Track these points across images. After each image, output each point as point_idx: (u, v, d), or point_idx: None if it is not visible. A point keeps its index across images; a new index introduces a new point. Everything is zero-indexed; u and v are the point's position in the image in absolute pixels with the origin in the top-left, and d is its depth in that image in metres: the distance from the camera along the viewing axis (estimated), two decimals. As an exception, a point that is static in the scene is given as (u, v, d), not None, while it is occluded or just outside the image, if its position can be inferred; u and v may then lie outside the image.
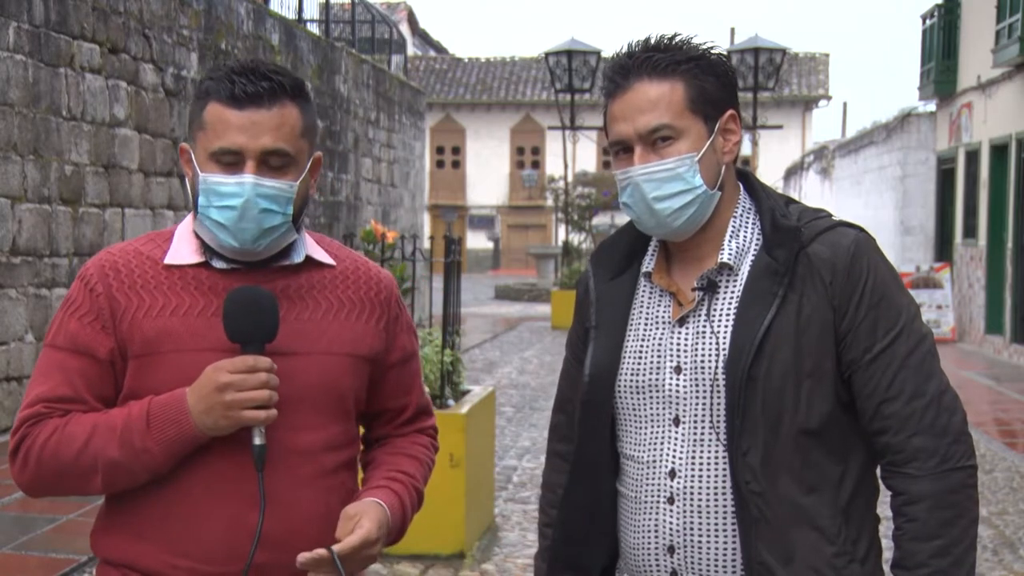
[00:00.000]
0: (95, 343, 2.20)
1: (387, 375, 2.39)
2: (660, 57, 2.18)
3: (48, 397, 2.20)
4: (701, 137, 2.17)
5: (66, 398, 2.20)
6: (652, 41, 2.22)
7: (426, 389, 2.54)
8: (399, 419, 2.46)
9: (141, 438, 2.14)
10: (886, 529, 2.20)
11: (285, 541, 2.19)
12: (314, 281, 2.30)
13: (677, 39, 2.22)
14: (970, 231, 19.55)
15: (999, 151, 18.04)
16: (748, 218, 2.24)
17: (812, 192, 33.02)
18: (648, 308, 2.26)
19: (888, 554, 2.19)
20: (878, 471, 2.22)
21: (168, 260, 2.25)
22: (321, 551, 2.12)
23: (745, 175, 2.29)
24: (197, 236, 2.26)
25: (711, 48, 2.23)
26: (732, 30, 41.90)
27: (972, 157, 19.48)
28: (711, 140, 2.18)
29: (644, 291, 2.28)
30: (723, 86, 2.20)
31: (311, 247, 2.33)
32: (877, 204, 25.05)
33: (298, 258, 2.28)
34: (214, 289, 2.23)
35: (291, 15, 17.12)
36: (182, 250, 2.26)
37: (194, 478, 2.19)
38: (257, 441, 2.15)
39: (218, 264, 2.24)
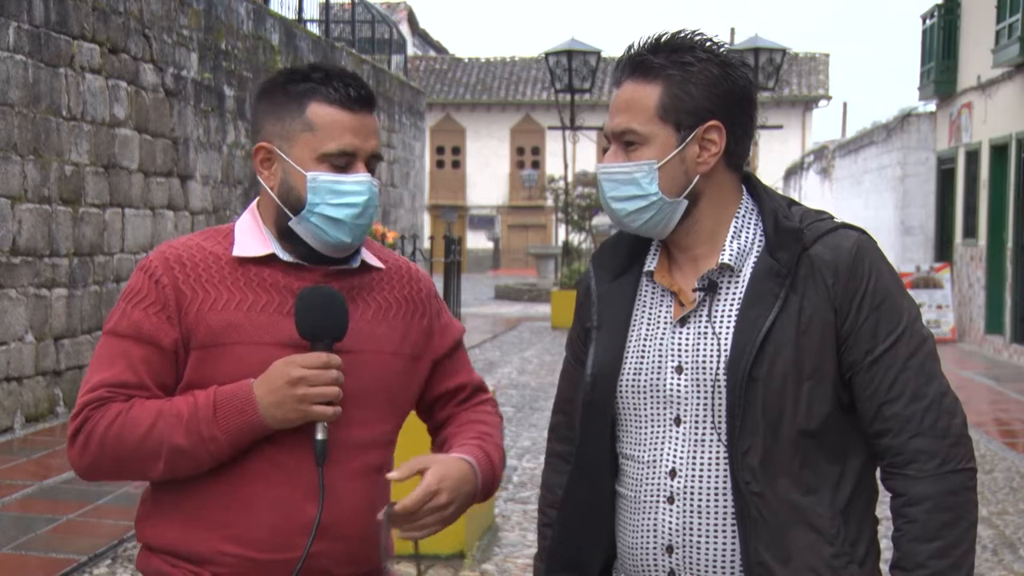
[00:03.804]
0: (160, 332, 2.26)
1: (439, 366, 2.50)
2: (649, 59, 2.18)
3: (111, 382, 2.25)
4: (668, 146, 2.17)
5: (129, 384, 2.25)
6: (657, 39, 2.21)
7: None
8: (458, 397, 2.55)
9: (208, 426, 2.20)
10: (885, 530, 2.21)
11: (333, 531, 2.28)
12: (365, 282, 2.39)
13: (684, 40, 2.20)
14: (970, 231, 19.56)
15: (999, 151, 18.04)
16: (750, 219, 2.24)
17: (812, 192, 33.02)
18: (650, 308, 2.27)
19: (887, 555, 2.19)
20: (877, 473, 2.23)
21: (237, 252, 2.31)
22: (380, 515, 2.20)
23: (748, 177, 2.29)
24: (262, 230, 2.33)
25: (719, 54, 2.18)
26: (732, 30, 41.87)
27: (972, 157, 19.48)
28: (679, 149, 2.17)
29: (646, 291, 2.28)
30: (711, 96, 2.16)
31: (365, 252, 2.43)
32: (877, 204, 25.05)
33: (355, 263, 2.38)
34: (276, 286, 2.30)
35: (291, 15, 17.13)
36: (248, 243, 2.33)
37: (248, 466, 2.25)
38: (320, 436, 2.23)
39: (285, 256, 2.31)
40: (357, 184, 2.26)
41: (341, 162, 2.26)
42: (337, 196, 2.25)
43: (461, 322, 7.71)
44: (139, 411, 2.22)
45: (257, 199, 2.40)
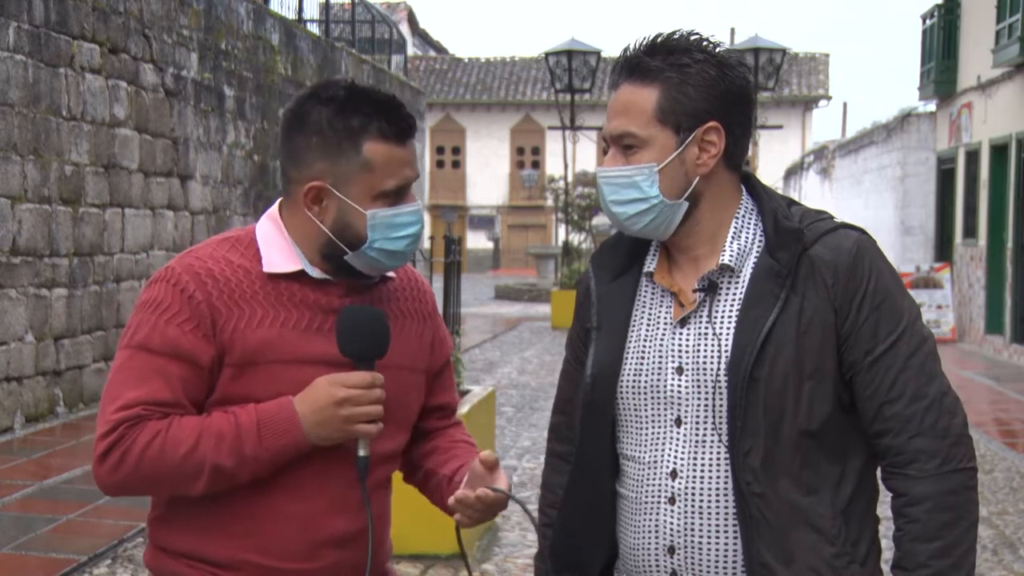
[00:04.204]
0: (199, 351, 2.22)
1: (436, 380, 2.51)
2: (646, 62, 2.18)
3: (147, 400, 2.20)
4: (667, 148, 2.16)
5: (167, 402, 2.21)
6: (653, 41, 2.21)
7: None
8: (442, 412, 2.56)
9: (253, 447, 2.20)
10: (886, 530, 2.20)
11: (357, 542, 2.31)
12: (383, 294, 2.40)
13: (681, 41, 2.20)
14: (970, 231, 19.56)
15: (999, 151, 18.04)
16: (751, 220, 2.23)
17: (812, 192, 33.01)
18: (650, 309, 2.26)
19: (888, 555, 2.19)
20: (878, 472, 2.23)
21: (268, 268, 2.29)
22: (485, 491, 2.23)
23: (748, 177, 2.29)
24: (289, 244, 2.30)
25: (716, 54, 2.18)
26: (732, 30, 41.87)
27: (972, 157, 19.48)
28: (679, 152, 2.17)
29: (646, 292, 2.28)
30: (709, 97, 2.16)
31: None
32: (877, 204, 25.04)
33: (376, 275, 2.37)
34: (306, 303, 2.28)
35: (291, 15, 17.12)
36: (278, 258, 2.30)
37: (274, 479, 2.26)
38: (362, 453, 2.26)
39: (315, 274, 2.30)
40: (412, 215, 2.29)
41: (398, 195, 2.28)
42: (396, 230, 2.26)
43: (461, 322, 7.71)
44: (178, 431, 2.19)
45: (278, 207, 2.35)
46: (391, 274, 2.42)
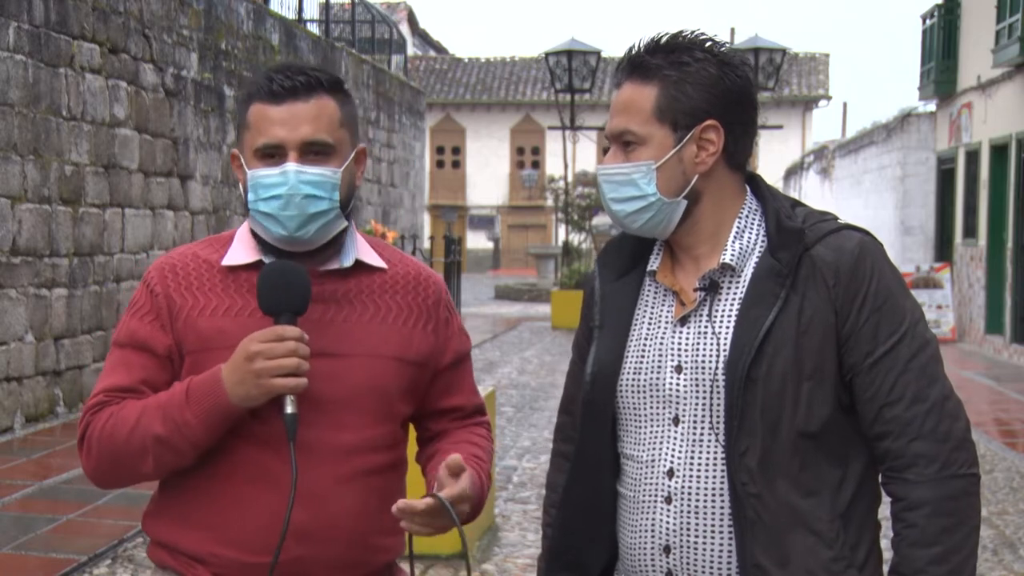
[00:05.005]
0: (153, 339, 2.31)
1: (439, 377, 2.46)
2: (647, 60, 2.18)
3: (108, 388, 2.31)
4: (665, 146, 2.17)
5: (125, 388, 2.30)
6: (656, 41, 2.21)
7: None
8: (454, 415, 2.52)
9: (181, 411, 2.21)
10: (886, 530, 2.20)
11: (323, 536, 2.28)
12: (363, 285, 2.37)
13: (683, 40, 2.20)
14: (970, 231, 19.55)
15: (999, 151, 18.04)
16: (754, 219, 2.23)
17: (812, 192, 33.01)
18: (652, 307, 2.27)
19: (888, 557, 2.19)
20: (879, 476, 2.22)
21: (226, 261, 2.34)
22: (428, 499, 2.18)
23: (752, 177, 2.29)
24: (254, 235, 2.34)
25: (717, 53, 2.18)
26: (732, 30, 41.88)
27: (972, 157, 19.48)
28: (677, 150, 2.17)
29: (649, 290, 2.28)
30: (708, 96, 2.16)
31: (363, 250, 2.40)
32: (877, 204, 25.04)
33: (347, 262, 2.35)
34: None
35: (291, 15, 17.12)
36: (239, 250, 2.35)
37: (241, 471, 2.27)
38: (289, 410, 2.21)
39: (271, 260, 2.31)
40: (280, 174, 2.24)
41: (271, 154, 2.26)
42: (265, 190, 2.25)
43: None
44: (127, 410, 2.26)
45: None
46: (379, 263, 2.39)
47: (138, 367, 2.30)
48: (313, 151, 2.26)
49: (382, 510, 2.31)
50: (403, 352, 2.36)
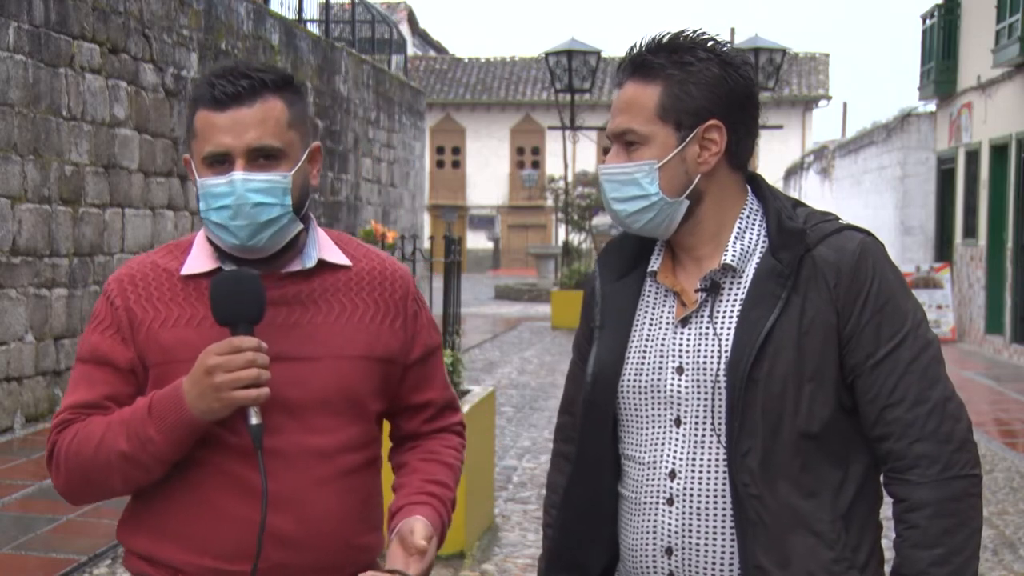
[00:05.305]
0: (114, 353, 2.27)
1: (409, 372, 2.41)
2: (649, 60, 2.18)
3: (74, 404, 2.27)
4: (668, 146, 2.16)
5: (90, 404, 2.27)
6: (658, 40, 2.21)
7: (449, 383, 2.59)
8: (424, 414, 2.48)
9: (144, 427, 2.18)
10: (887, 531, 2.20)
11: (304, 541, 2.25)
12: (328, 284, 2.32)
13: (686, 40, 2.20)
14: (970, 231, 19.55)
15: (999, 151, 18.04)
16: (755, 220, 2.23)
17: (812, 192, 33.00)
18: (653, 308, 2.26)
19: (890, 557, 2.18)
20: (881, 478, 2.21)
21: (185, 271, 2.30)
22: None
23: (754, 177, 2.28)
24: (211, 242, 2.30)
25: (720, 53, 2.18)
26: (732, 30, 41.83)
27: (972, 157, 19.48)
28: (680, 149, 2.16)
29: (650, 291, 2.28)
30: (711, 95, 2.16)
31: (325, 248, 2.35)
32: (877, 204, 25.04)
33: (310, 263, 2.30)
34: None
35: (291, 15, 17.12)
36: (198, 258, 2.30)
37: (214, 480, 2.24)
38: (253, 420, 2.17)
39: (230, 268, 2.26)
40: (227, 184, 2.19)
41: (218, 162, 2.21)
42: (215, 199, 2.20)
43: (461, 322, 7.69)
44: (92, 426, 2.23)
45: None
46: (342, 260, 2.34)
47: (101, 382, 2.27)
48: (261, 156, 2.20)
49: (361, 510, 2.30)
50: (371, 350, 2.32)
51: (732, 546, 2.15)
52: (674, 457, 2.18)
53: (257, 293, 2.18)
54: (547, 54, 22.44)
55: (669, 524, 2.18)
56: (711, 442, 2.16)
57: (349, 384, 2.29)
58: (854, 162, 27.98)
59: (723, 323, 2.17)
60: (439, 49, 53.98)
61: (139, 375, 2.27)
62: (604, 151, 2.32)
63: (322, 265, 2.32)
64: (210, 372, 2.13)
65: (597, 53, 22.06)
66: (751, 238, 2.21)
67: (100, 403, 2.26)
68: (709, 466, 2.16)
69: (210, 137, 2.20)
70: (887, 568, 2.21)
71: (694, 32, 2.22)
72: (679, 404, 2.19)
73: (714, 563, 2.16)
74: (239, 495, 2.22)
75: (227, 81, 2.21)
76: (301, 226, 2.28)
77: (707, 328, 2.18)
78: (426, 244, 7.69)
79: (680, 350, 2.19)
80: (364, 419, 2.34)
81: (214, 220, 2.21)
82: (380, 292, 2.36)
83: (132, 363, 2.26)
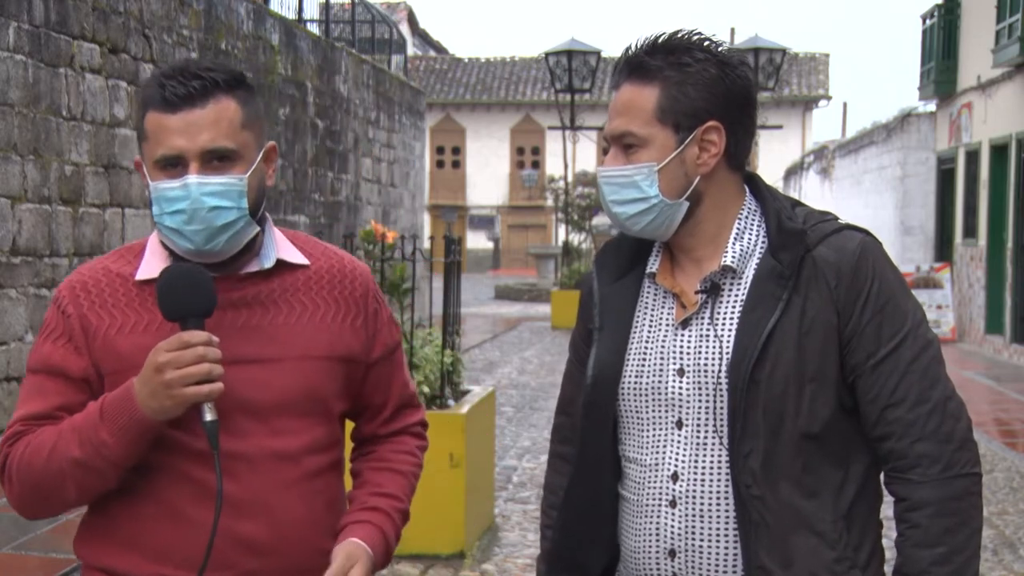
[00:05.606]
0: (67, 363, 2.21)
1: (370, 371, 2.38)
2: (647, 61, 2.17)
3: (25, 416, 2.22)
4: (667, 147, 2.16)
5: (41, 415, 2.21)
6: (654, 40, 2.20)
7: (412, 380, 2.53)
8: (383, 414, 2.44)
9: (96, 431, 2.12)
10: (888, 530, 2.20)
11: (273, 546, 2.21)
12: (287, 284, 2.28)
13: (682, 40, 2.19)
14: (970, 231, 19.55)
15: (999, 151, 18.04)
16: (754, 220, 2.22)
17: (812, 192, 33.00)
18: (652, 310, 2.26)
19: (891, 556, 2.18)
20: (881, 477, 2.21)
21: (139, 276, 2.24)
22: None
23: (752, 178, 2.28)
24: (164, 246, 2.25)
25: (717, 54, 2.17)
26: (732, 30, 41.89)
27: (972, 157, 19.48)
28: (679, 151, 2.16)
29: (648, 293, 2.27)
30: (709, 96, 2.15)
31: (283, 248, 2.30)
32: (877, 204, 25.04)
33: (268, 263, 2.26)
34: None
35: (291, 15, 17.12)
36: (152, 263, 2.25)
37: (175, 487, 2.19)
38: (208, 417, 2.12)
39: None
40: (182, 188, 2.14)
41: (171, 165, 2.15)
42: (169, 204, 2.14)
43: (461, 322, 7.69)
44: (43, 436, 2.17)
45: None
46: (301, 260, 2.30)
47: (53, 393, 2.20)
48: (215, 159, 2.14)
49: (327, 513, 2.27)
50: (333, 350, 2.28)
51: (735, 547, 2.15)
52: (676, 459, 2.18)
53: (205, 285, 2.13)
54: (547, 54, 22.45)
55: (672, 526, 2.18)
56: (713, 444, 2.15)
57: (312, 385, 2.25)
58: (854, 162, 27.98)
59: (724, 325, 2.16)
60: (439, 49, 53.99)
61: (93, 384, 2.21)
62: (604, 151, 2.31)
63: (280, 265, 2.28)
64: (160, 369, 2.07)
65: (597, 53, 22.06)
66: (750, 239, 2.21)
67: (53, 414, 2.19)
68: (711, 468, 2.16)
69: (162, 140, 2.14)
70: (888, 567, 2.22)
71: (690, 32, 2.21)
72: (680, 406, 2.18)
73: (717, 564, 2.16)
74: (201, 500, 2.17)
75: (178, 82, 2.14)
76: (258, 228, 2.23)
77: (708, 330, 2.18)
78: (426, 244, 7.69)
79: (681, 352, 2.19)
80: (328, 420, 2.30)
81: (168, 225, 2.15)
82: (340, 290, 2.33)
83: (86, 372, 2.20)
